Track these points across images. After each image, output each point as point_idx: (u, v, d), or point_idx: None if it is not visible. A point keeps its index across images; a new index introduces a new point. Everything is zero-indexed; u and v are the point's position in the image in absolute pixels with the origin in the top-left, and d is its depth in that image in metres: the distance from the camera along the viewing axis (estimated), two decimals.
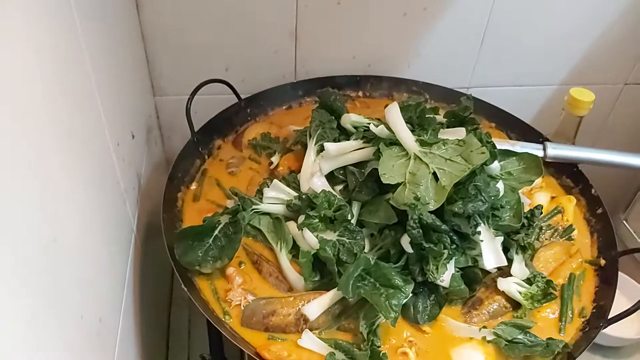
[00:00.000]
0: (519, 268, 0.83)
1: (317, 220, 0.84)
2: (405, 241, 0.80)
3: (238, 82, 1.11)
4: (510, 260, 0.83)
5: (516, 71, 1.30)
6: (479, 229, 0.79)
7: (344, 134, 0.97)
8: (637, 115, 1.42)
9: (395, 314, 0.74)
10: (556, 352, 0.74)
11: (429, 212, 0.77)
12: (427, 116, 0.89)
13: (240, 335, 0.76)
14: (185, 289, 0.76)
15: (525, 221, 0.86)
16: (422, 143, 0.83)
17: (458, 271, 0.80)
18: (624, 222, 1.41)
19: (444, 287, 0.78)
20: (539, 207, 0.89)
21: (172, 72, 1.16)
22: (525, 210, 0.87)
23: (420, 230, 0.77)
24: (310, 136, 0.96)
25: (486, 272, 0.83)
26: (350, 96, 1.19)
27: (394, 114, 0.86)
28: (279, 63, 1.19)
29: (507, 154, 0.92)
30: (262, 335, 0.77)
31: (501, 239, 0.82)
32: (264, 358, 0.74)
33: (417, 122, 0.89)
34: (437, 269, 0.78)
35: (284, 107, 1.15)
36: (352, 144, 0.90)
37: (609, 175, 1.12)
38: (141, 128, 1.04)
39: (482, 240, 0.80)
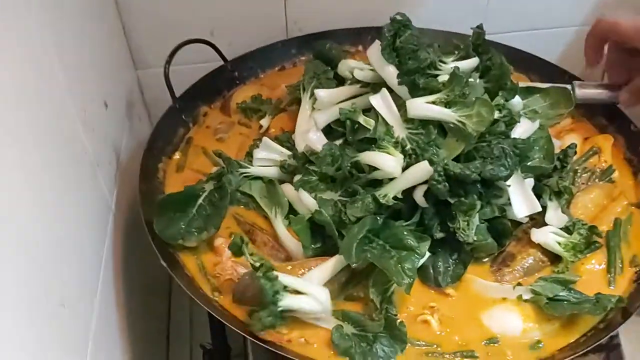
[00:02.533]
0: (555, 215, 0.72)
1: (316, 178, 0.73)
2: (419, 195, 0.69)
3: (225, 45, 1.01)
4: (544, 208, 0.72)
5: (531, 12, 1.17)
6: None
7: (342, 84, 0.85)
8: None
9: (409, 280, 0.63)
10: (609, 308, 0.62)
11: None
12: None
13: (231, 313, 0.66)
14: (164, 264, 0.66)
15: (557, 163, 0.74)
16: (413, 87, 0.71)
17: (483, 222, 0.68)
18: None
19: (468, 243, 0.67)
20: (573, 145, 0.77)
21: (152, 42, 1.06)
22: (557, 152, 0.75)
23: (447, 184, 0.66)
24: (304, 90, 0.85)
25: (517, 224, 0.72)
26: (350, 52, 1.07)
27: (374, 54, 0.74)
28: (268, 22, 1.08)
29: (530, 91, 0.81)
30: None
31: (532, 182, 0.71)
32: (261, 339, 0.63)
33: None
34: (468, 225, 0.66)
35: (277, 69, 1.04)
36: (346, 89, 0.79)
37: None
38: (118, 101, 0.94)
39: (509, 186, 0.68)
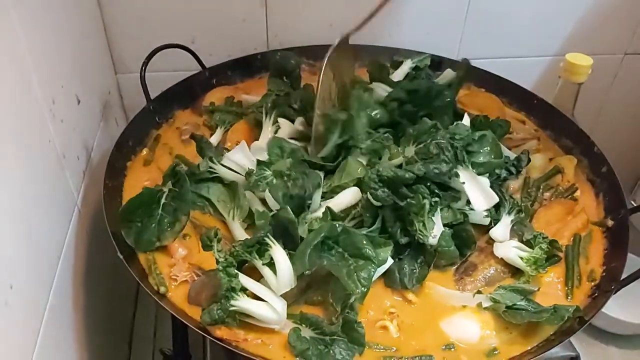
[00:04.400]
0: (503, 231, 0.73)
1: (269, 173, 0.73)
2: (373, 200, 0.70)
3: (206, 55, 1.03)
4: (496, 221, 0.73)
5: (506, 42, 1.20)
6: (455, 170, 0.69)
7: (301, 113, 0.88)
8: None
9: (362, 289, 0.64)
10: (566, 318, 0.63)
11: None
12: None
13: (184, 311, 0.65)
14: (121, 256, 0.65)
15: (512, 169, 0.77)
16: None
17: (448, 230, 0.69)
18: (632, 202, 1.29)
19: (431, 245, 0.67)
20: (525, 152, 0.79)
21: (133, 48, 1.07)
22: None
23: (386, 190, 0.67)
24: (266, 114, 0.87)
25: (480, 234, 0.73)
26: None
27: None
28: (249, 34, 1.10)
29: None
30: None
31: (487, 181, 0.72)
32: (216, 337, 0.62)
33: None
34: (424, 225, 0.67)
35: (256, 78, 1.05)
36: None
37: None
38: (93, 99, 0.94)
39: (463, 183, 0.69)
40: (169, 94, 0.94)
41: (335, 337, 0.61)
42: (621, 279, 0.67)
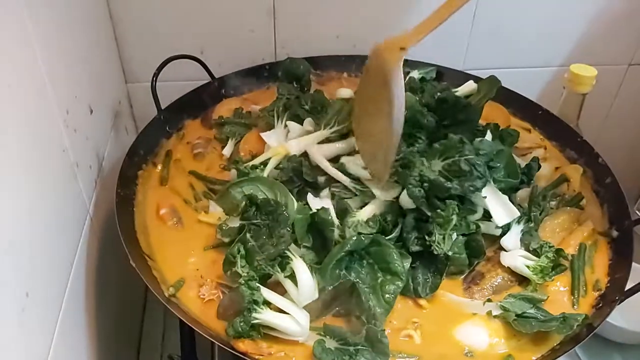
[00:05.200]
0: (514, 240, 0.74)
1: None
2: (405, 198, 0.71)
3: (215, 65, 1.04)
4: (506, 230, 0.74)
5: (511, 53, 1.22)
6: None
7: (312, 113, 0.89)
8: None
9: (387, 306, 0.65)
10: (575, 326, 0.63)
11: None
12: None
13: (204, 322, 0.66)
14: (134, 264, 0.66)
15: (524, 177, 0.78)
16: None
17: (462, 237, 0.70)
18: (637, 211, 1.30)
19: (444, 253, 0.69)
20: (535, 159, 0.80)
21: (143, 56, 1.09)
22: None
23: (422, 190, 0.68)
24: (278, 117, 0.88)
25: (487, 244, 0.74)
26: (335, 78, 1.10)
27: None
28: (257, 44, 1.12)
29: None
30: None
31: (505, 197, 0.73)
32: (239, 350, 0.62)
33: None
34: (443, 239, 0.68)
35: (264, 88, 1.07)
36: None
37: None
38: (105, 109, 0.96)
39: (485, 197, 0.71)
40: (179, 104, 0.95)
41: (359, 347, 0.62)
42: (625, 289, 0.68)
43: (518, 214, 0.72)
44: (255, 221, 0.69)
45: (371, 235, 0.69)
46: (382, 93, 0.69)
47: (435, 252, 0.68)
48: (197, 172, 0.86)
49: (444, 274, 0.70)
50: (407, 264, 0.68)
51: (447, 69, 1.08)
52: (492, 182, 0.72)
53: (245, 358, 0.61)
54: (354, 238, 0.67)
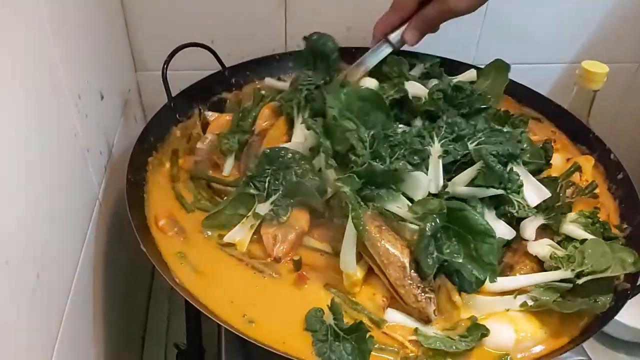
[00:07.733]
0: (531, 230, 0.74)
1: None
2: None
3: (225, 55, 1.03)
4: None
5: (523, 48, 1.21)
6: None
7: None
8: None
9: (491, 268, 0.64)
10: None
11: None
12: None
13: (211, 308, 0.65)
14: (144, 249, 0.66)
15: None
16: None
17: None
18: None
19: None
20: (549, 141, 0.82)
21: (153, 45, 1.09)
22: None
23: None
24: (298, 112, 0.83)
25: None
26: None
27: None
28: (267, 35, 1.11)
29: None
30: None
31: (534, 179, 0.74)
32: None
33: None
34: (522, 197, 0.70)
35: (275, 78, 1.06)
36: None
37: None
38: (115, 96, 0.96)
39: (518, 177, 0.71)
40: (189, 92, 0.95)
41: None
42: (638, 284, 0.68)
43: (549, 194, 0.72)
44: None
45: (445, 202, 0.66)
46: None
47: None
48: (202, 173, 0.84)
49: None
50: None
51: (458, 63, 1.08)
52: (521, 164, 0.72)
53: (254, 343, 0.61)
54: (431, 221, 0.63)
